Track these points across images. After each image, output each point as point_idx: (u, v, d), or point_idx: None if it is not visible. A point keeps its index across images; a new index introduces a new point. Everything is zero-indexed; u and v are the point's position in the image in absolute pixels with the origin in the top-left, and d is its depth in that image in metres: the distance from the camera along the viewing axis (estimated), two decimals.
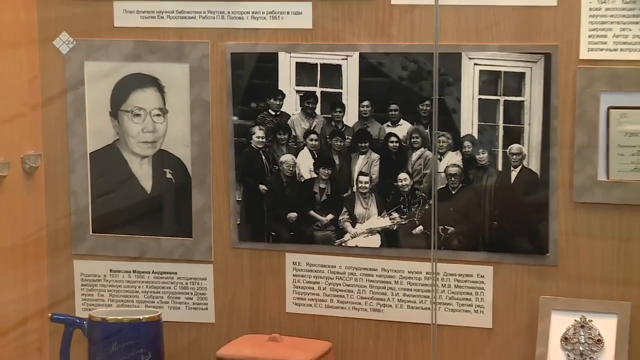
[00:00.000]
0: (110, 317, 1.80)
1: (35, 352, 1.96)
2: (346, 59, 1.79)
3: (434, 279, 1.79)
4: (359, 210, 1.82)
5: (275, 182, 1.85)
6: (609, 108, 1.67)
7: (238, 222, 1.86)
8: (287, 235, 1.86)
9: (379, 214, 1.81)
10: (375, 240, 1.81)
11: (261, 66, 1.83)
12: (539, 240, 1.74)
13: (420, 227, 1.78)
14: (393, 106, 1.78)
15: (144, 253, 1.91)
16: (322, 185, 1.84)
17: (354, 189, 1.81)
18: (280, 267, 1.87)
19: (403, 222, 1.80)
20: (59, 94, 1.89)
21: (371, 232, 1.82)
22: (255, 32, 1.82)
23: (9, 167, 1.82)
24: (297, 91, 1.82)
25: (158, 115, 1.86)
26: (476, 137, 1.75)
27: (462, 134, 1.75)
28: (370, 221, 1.81)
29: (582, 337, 1.69)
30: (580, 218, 1.72)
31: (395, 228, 1.80)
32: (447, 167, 1.77)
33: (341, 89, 1.79)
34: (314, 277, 1.84)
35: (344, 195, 1.82)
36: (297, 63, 1.81)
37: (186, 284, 1.89)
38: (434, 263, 1.77)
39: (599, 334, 1.68)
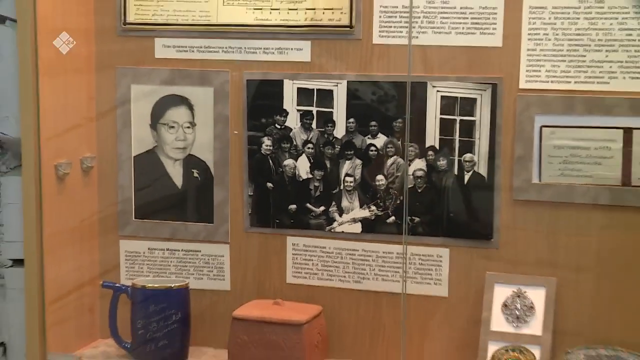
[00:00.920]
0: (149, 285, 1.83)
1: (88, 312, 1.95)
2: (336, 85, 1.80)
3: (405, 257, 1.80)
4: (344, 203, 1.83)
5: (279, 181, 1.86)
6: (542, 127, 1.69)
7: (249, 212, 1.87)
8: (288, 222, 1.88)
9: (361, 206, 1.82)
10: (357, 228, 1.82)
11: (270, 90, 1.84)
12: (485, 228, 1.76)
13: (393, 218, 1.80)
14: (372, 123, 1.80)
15: (175, 235, 1.93)
16: (316, 184, 1.85)
17: (341, 187, 1.82)
18: (282, 247, 1.88)
19: (379, 214, 1.81)
20: (110, 110, 1.91)
21: (354, 221, 1.83)
22: (266, 64, 1.82)
23: (71, 167, 1.84)
24: (298, 110, 1.83)
25: (188, 127, 1.88)
26: (437, 147, 1.77)
27: (427, 145, 1.76)
28: (353, 212, 1.83)
29: (518, 304, 1.71)
30: (517, 212, 1.75)
31: (373, 218, 1.82)
32: (414, 171, 1.78)
33: (332, 108, 1.81)
34: (308, 255, 1.86)
35: (333, 191, 1.83)
36: (298, 88, 1.82)
37: (208, 260, 1.91)
38: (405, 246, 1.78)
39: (531, 302, 1.70)
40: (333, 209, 1.83)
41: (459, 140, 1.75)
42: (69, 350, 1.85)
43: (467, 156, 1.74)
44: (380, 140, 1.78)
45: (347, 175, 1.81)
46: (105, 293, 1.88)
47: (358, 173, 1.81)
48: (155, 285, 1.82)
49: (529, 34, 1.69)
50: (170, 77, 1.88)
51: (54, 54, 1.81)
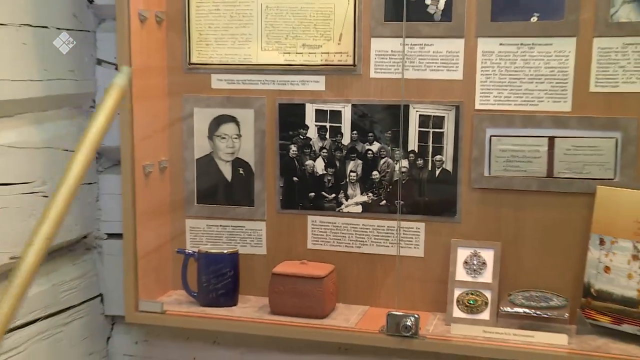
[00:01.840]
0: (210, 251, 1.87)
1: (163, 271, 1.96)
2: (344, 107, 1.83)
3: (399, 229, 1.83)
4: (349, 191, 1.86)
5: (302, 176, 1.88)
6: (491, 136, 1.74)
7: (280, 198, 1.89)
8: (308, 205, 1.90)
9: (361, 194, 1.85)
10: (358, 209, 1.86)
11: (295, 111, 1.86)
12: (451, 208, 1.80)
13: (384, 201, 1.83)
14: (370, 134, 1.83)
15: (225, 215, 1.95)
16: (329, 178, 1.88)
17: (347, 180, 1.86)
18: (304, 223, 1.91)
19: (374, 199, 1.85)
20: (178, 125, 1.94)
21: (356, 204, 1.86)
22: (292, 92, 1.85)
23: (153, 167, 1.88)
24: (316, 125, 1.86)
25: (235, 138, 1.90)
26: (416, 151, 1.80)
27: (409, 149, 1.80)
28: (356, 198, 1.86)
29: (475, 261, 1.76)
30: (473, 196, 1.78)
31: (370, 202, 1.85)
32: (400, 168, 1.82)
33: (341, 124, 1.84)
34: (323, 229, 1.89)
35: (341, 183, 1.86)
36: (315, 109, 1.85)
37: (250, 232, 1.94)
38: (398, 222, 1.82)
39: (484, 260, 1.74)
40: (341, 195, 1.86)
41: (432, 146, 1.79)
42: (151, 297, 1.87)
43: (438, 157, 1.78)
44: (375, 146, 1.82)
45: (351, 171, 1.86)
46: (176, 257, 1.91)
47: (359, 170, 1.85)
48: (214, 251, 1.87)
49: (481, 70, 1.73)
50: (222, 102, 1.90)
51: (143, 84, 1.83)
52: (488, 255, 1.73)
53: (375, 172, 1.82)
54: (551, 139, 1.69)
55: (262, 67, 1.85)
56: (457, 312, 1.73)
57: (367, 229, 1.86)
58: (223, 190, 1.93)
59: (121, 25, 1.72)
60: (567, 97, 1.68)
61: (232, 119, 1.89)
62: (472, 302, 1.72)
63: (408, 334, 1.65)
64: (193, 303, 1.87)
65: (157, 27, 1.85)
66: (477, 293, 1.73)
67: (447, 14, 1.73)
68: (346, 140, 1.84)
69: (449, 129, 1.76)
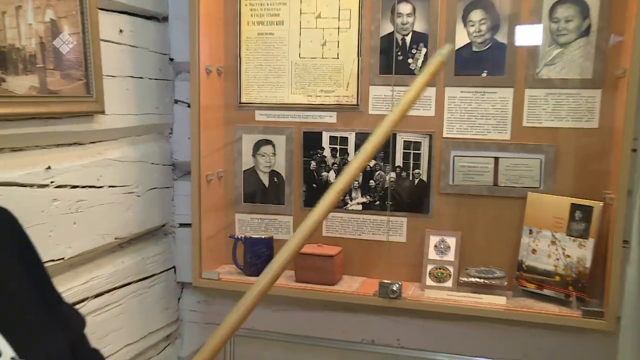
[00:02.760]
0: (252, 236, 1.88)
1: (218, 250, 1.95)
2: (350, 134, 1.85)
3: (388, 221, 1.84)
4: (353, 195, 1.85)
5: (319, 184, 1.88)
6: (454, 156, 1.76)
7: (303, 199, 1.90)
8: None
9: (361, 196, 1.86)
10: (359, 207, 1.86)
11: (315, 137, 1.87)
12: (425, 208, 1.81)
13: (378, 202, 1.84)
14: None
15: (264, 211, 1.94)
16: None
17: (352, 186, 1.85)
18: None
19: (371, 200, 1.85)
20: (231, 145, 1.95)
21: (358, 203, 1.86)
22: (313, 124, 1.86)
23: (213, 176, 1.88)
24: (330, 147, 1.87)
25: (272, 155, 1.91)
26: (401, 166, 1.80)
27: (395, 165, 1.81)
28: (357, 199, 1.86)
29: (442, 245, 1.77)
30: (441, 199, 1.79)
31: (367, 202, 1.85)
32: (389, 178, 1.82)
33: (347, 146, 1.85)
34: (334, 221, 1.88)
35: (349, 188, 1.82)
36: (329, 136, 1.86)
37: (281, 224, 1.94)
38: (388, 217, 1.83)
39: (449, 244, 1.77)
40: (347, 197, 1.85)
41: (412, 162, 1.80)
42: (210, 269, 1.89)
43: (416, 171, 1.80)
44: (372, 162, 1.81)
45: (354, 180, 1.81)
46: (228, 240, 1.92)
47: (360, 179, 1.84)
48: (255, 236, 1.88)
49: (447, 110, 1.75)
50: (262, 130, 1.90)
51: (208, 116, 1.83)
52: (451, 241, 1.76)
53: (371, 181, 1.83)
54: (496, 159, 1.72)
55: (291, 106, 1.86)
56: (429, 282, 1.76)
57: (365, 221, 1.86)
58: (262, 193, 1.94)
59: (193, 76, 1.76)
60: (507, 129, 1.71)
61: (269, 142, 1.90)
62: (439, 274, 1.76)
63: (394, 297, 1.70)
64: (240, 273, 1.88)
65: (217, 77, 1.88)
66: (444, 268, 1.76)
67: (423, 69, 1.75)
68: (351, 158, 1.82)
69: (424, 150, 1.78)
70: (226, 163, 1.96)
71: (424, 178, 1.81)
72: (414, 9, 1.75)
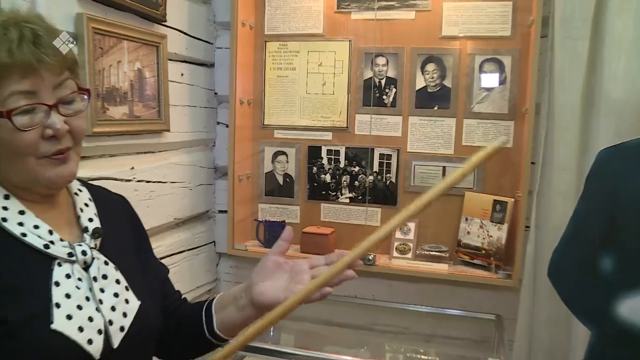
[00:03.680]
0: (271, 220, 1.95)
1: (246, 230, 1.97)
2: (341, 148, 1.91)
3: (366, 211, 1.91)
4: (343, 192, 1.92)
5: (319, 183, 1.94)
6: (415, 165, 1.84)
7: (307, 194, 1.95)
8: (322, 198, 1.95)
9: (349, 193, 1.93)
10: (347, 201, 1.93)
11: (316, 149, 1.92)
12: (394, 201, 1.87)
13: (360, 197, 1.90)
14: (354, 162, 1.89)
15: (279, 202, 1.98)
16: (333, 184, 1.94)
17: (341, 185, 1.92)
18: (319, 207, 1.95)
19: (355, 195, 1.92)
20: (256, 154, 1.97)
21: (346, 198, 1.93)
22: (315, 140, 1.92)
23: (243, 176, 1.91)
24: (327, 157, 1.93)
25: (286, 162, 1.97)
26: (377, 172, 1.88)
27: (374, 170, 1.88)
28: (346, 195, 1.93)
29: (405, 229, 1.81)
30: (406, 195, 1.83)
31: (353, 197, 1.92)
32: (368, 180, 1.89)
33: (339, 157, 1.92)
34: (329, 210, 1.94)
35: (339, 187, 1.93)
36: (327, 149, 1.92)
37: (291, 211, 1.99)
38: (367, 207, 1.90)
39: (410, 227, 1.82)
40: (339, 193, 1.93)
41: (385, 169, 1.88)
42: (240, 242, 1.93)
43: (388, 175, 1.87)
44: (356, 168, 1.90)
45: (344, 181, 1.93)
46: (253, 223, 1.98)
47: (348, 180, 1.92)
48: (273, 220, 1.95)
49: (410, 132, 1.83)
50: (279, 144, 1.96)
51: (240, 134, 1.87)
52: (412, 225, 1.83)
53: (356, 182, 1.91)
54: (444, 167, 1.80)
55: (300, 127, 1.93)
56: (395, 254, 1.83)
57: (351, 211, 1.93)
58: (278, 189, 1.99)
59: (231, 106, 1.84)
60: (451, 146, 1.80)
61: (284, 153, 1.97)
62: (403, 249, 1.84)
63: (370, 264, 1.78)
64: (261, 246, 1.93)
65: (248, 106, 1.96)
66: (406, 244, 1.84)
67: (394, 103, 1.85)
68: (342, 165, 1.92)
69: (394, 160, 1.86)
70: (252, 167, 2.00)
71: (394, 180, 1.87)
72: (387, 61, 1.83)
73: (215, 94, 1.99)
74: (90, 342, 0.70)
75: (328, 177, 1.94)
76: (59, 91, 0.71)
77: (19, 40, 0.67)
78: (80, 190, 0.85)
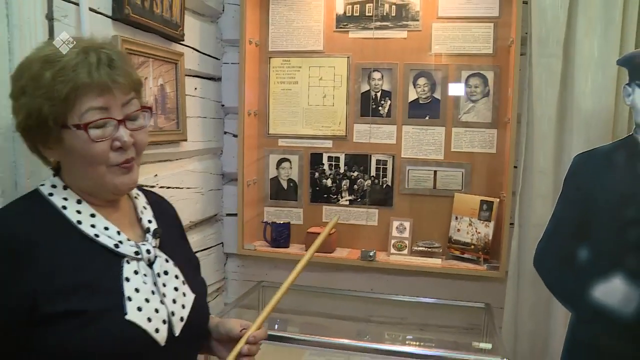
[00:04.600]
0: (276, 221, 2.00)
1: (254, 231, 2.03)
2: (341, 155, 1.96)
3: (366, 212, 1.96)
4: (343, 194, 1.96)
5: (321, 187, 1.98)
6: (409, 169, 1.89)
7: (310, 197, 1.99)
8: (324, 200, 1.99)
9: (349, 196, 1.97)
10: (347, 202, 1.98)
11: (318, 156, 1.97)
12: (390, 202, 1.93)
13: (359, 200, 1.95)
14: (353, 167, 1.94)
15: (284, 205, 2.02)
16: (333, 188, 1.98)
17: (342, 189, 1.96)
18: (321, 209, 1.99)
19: (355, 198, 1.97)
20: (262, 161, 2.02)
21: (346, 200, 1.97)
22: (317, 147, 1.96)
23: (250, 181, 1.99)
24: (328, 163, 1.97)
25: (289, 168, 2.00)
26: (374, 176, 1.93)
27: (371, 175, 1.93)
28: (346, 197, 1.97)
29: (401, 227, 1.88)
30: (400, 197, 1.90)
31: (353, 200, 1.97)
32: (367, 184, 1.95)
33: (339, 163, 1.96)
34: (330, 211, 1.98)
35: (339, 190, 1.97)
36: (327, 156, 1.97)
37: (295, 213, 2.02)
38: (367, 208, 1.95)
39: (405, 227, 1.88)
40: (339, 196, 1.97)
41: (382, 173, 1.93)
42: (249, 242, 1.98)
43: (384, 179, 1.93)
44: (355, 173, 1.95)
45: (344, 184, 1.98)
46: (260, 224, 2.02)
47: (348, 184, 1.97)
48: (278, 222, 1.99)
49: (403, 139, 1.89)
50: (283, 152, 2.00)
51: (248, 143, 1.92)
52: (407, 224, 1.89)
53: (355, 186, 1.96)
54: (435, 171, 1.88)
55: (302, 136, 1.98)
56: (392, 250, 1.90)
57: (351, 212, 1.98)
58: (282, 193, 2.03)
59: (240, 116, 1.91)
60: (441, 152, 1.88)
61: (288, 160, 2.01)
62: (399, 246, 1.90)
63: (370, 260, 1.84)
64: (267, 246, 1.98)
65: (254, 117, 2.00)
66: (402, 241, 1.90)
67: (389, 114, 1.91)
68: (342, 170, 1.97)
69: (389, 165, 1.92)
70: (259, 173, 2.04)
71: (389, 183, 1.92)
72: (382, 76, 1.90)
73: (222, 105, 2.02)
74: (157, 330, 0.77)
75: (329, 182, 1.97)
76: (126, 108, 0.77)
77: (97, 63, 0.73)
78: (138, 194, 0.92)
